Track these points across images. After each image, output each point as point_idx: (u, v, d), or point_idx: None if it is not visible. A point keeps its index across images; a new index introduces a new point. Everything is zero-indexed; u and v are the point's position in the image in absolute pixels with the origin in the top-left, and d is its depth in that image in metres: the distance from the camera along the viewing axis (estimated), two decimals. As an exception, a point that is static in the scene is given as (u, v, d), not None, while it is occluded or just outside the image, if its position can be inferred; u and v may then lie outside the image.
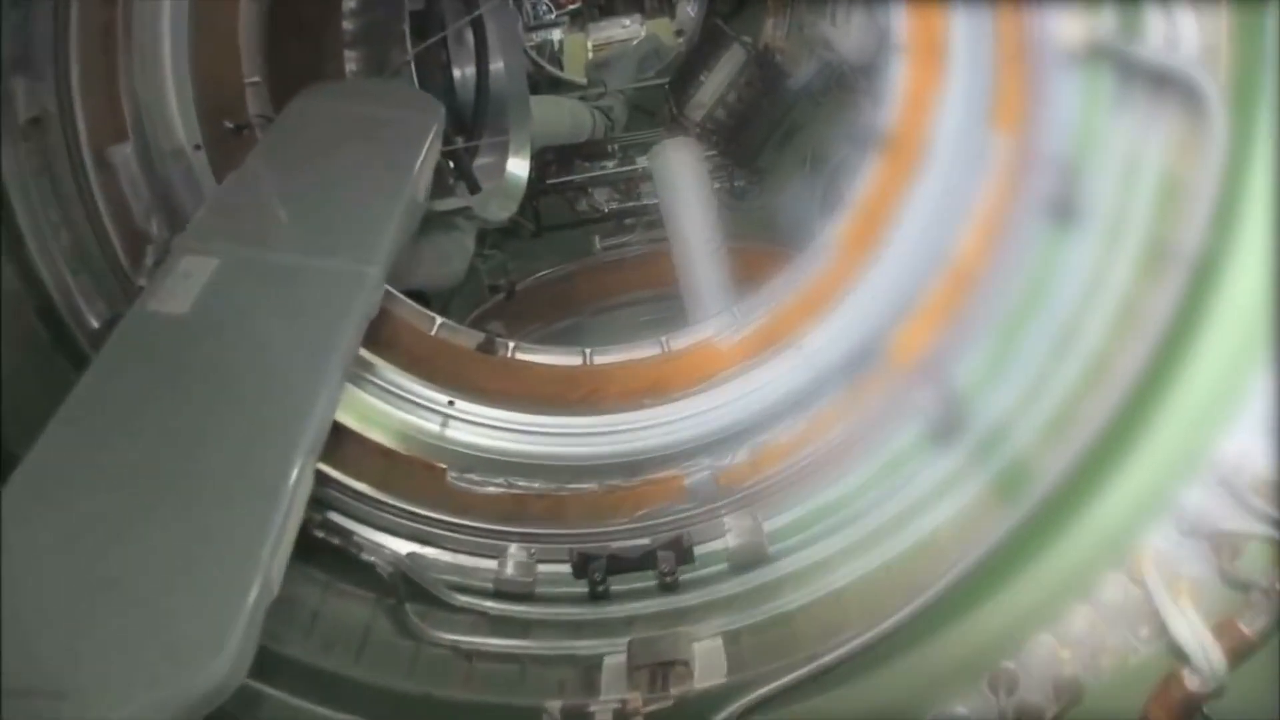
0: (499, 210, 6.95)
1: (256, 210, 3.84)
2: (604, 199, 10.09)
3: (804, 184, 8.78)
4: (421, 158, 4.38)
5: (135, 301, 3.26)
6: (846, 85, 8.26)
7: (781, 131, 9.63)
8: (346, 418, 4.35)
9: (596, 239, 9.92)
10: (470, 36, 7.10)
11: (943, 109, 4.33)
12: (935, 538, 3.71)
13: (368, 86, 5.48)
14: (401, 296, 5.11)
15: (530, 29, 12.56)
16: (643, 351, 5.06)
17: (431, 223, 6.19)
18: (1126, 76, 3.21)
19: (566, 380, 5.00)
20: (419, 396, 4.65)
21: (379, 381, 4.59)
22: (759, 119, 9.66)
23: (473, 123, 6.98)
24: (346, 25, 6.01)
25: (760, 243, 8.40)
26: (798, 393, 4.45)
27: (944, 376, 3.89)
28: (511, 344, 5.17)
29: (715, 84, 9.75)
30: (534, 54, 11.04)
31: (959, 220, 4.11)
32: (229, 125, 4.76)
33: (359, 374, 4.49)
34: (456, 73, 7.09)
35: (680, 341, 5.04)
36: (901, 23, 4.72)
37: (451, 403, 4.66)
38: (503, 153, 7.16)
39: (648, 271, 8.57)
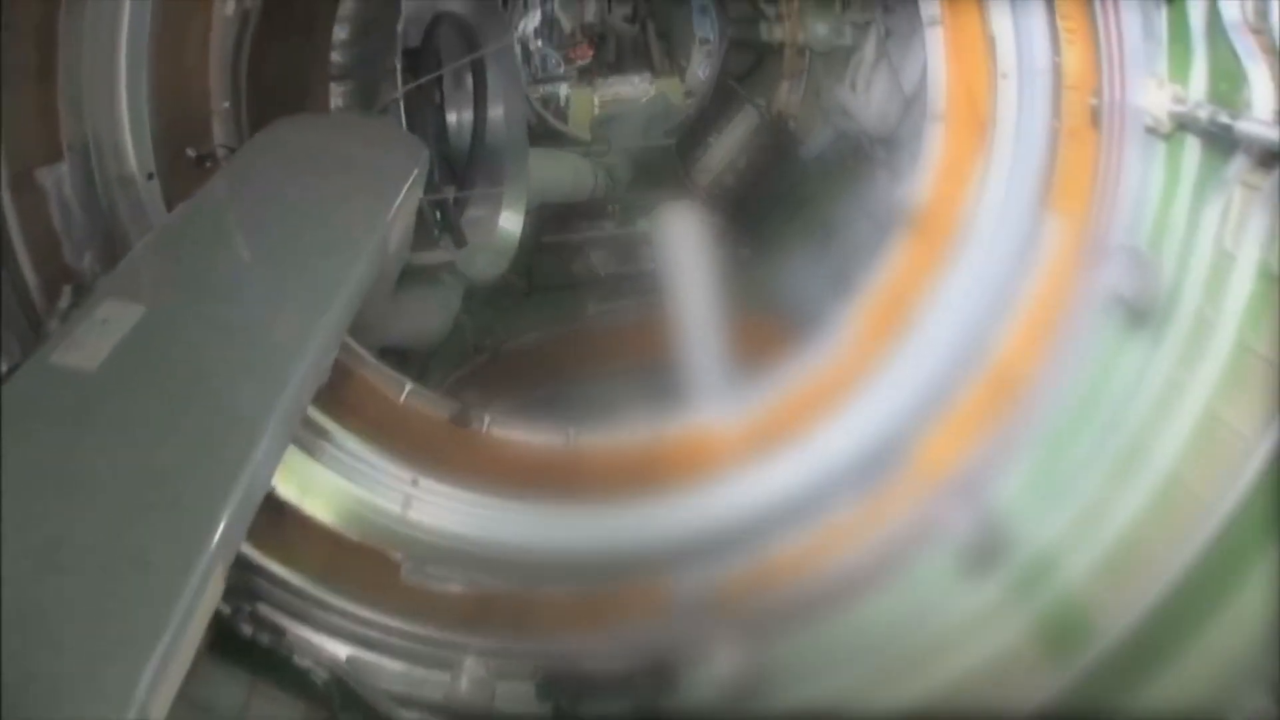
0: (487, 267, 6.48)
1: (200, 252, 3.30)
2: (601, 261, 9.61)
3: (813, 257, 8.29)
4: (397, 204, 3.87)
5: (37, 350, 2.70)
6: (863, 156, 7.81)
7: (791, 201, 9.09)
8: (289, 490, 3.81)
9: (590, 303, 9.39)
10: (469, 80, 6.65)
11: (986, 185, 3.87)
12: (965, 682, 3.15)
13: (346, 122, 5.00)
14: (367, 356, 4.59)
15: (537, 81, 12.28)
16: (633, 433, 4.53)
17: (413, 276, 5.68)
18: (1222, 153, 2.72)
19: (546, 462, 4.49)
20: (380, 471, 4.13)
21: (335, 451, 4.06)
22: (768, 187, 9.22)
23: (465, 172, 6.50)
24: (335, 57, 5.59)
25: (764, 316, 7.87)
26: (807, 495, 3.92)
27: (980, 493, 3.37)
28: (488, 417, 4.64)
29: (725, 148, 9.34)
30: (538, 106, 10.68)
31: (1001, 313, 3.63)
32: (191, 154, 4.27)
33: (312, 440, 3.95)
34: (451, 117, 6.66)
35: (675, 424, 4.52)
36: (939, 88, 4.25)
37: (416, 481, 4.13)
38: (496, 206, 6.71)
39: (643, 341, 8.04)
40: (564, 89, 11.31)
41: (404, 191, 4.03)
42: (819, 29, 8.12)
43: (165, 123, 4.10)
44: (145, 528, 2.30)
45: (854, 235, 7.22)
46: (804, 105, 8.94)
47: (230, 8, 4.51)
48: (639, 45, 13.27)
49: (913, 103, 6.30)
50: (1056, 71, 3.34)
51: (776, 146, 9.08)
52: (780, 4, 8.78)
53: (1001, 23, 3.67)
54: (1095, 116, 3.19)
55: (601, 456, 4.46)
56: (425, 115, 5.87)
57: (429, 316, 6.15)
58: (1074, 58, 3.24)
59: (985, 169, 3.85)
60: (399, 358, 5.20)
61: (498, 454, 4.51)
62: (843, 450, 4.01)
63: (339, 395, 4.16)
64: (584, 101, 11.01)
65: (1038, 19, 3.45)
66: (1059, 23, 3.24)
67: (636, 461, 4.42)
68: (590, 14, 14.75)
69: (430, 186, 5.75)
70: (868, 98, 7.25)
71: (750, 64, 9.74)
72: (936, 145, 4.28)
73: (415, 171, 4.22)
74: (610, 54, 13.50)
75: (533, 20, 14.05)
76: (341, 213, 3.75)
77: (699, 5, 12.07)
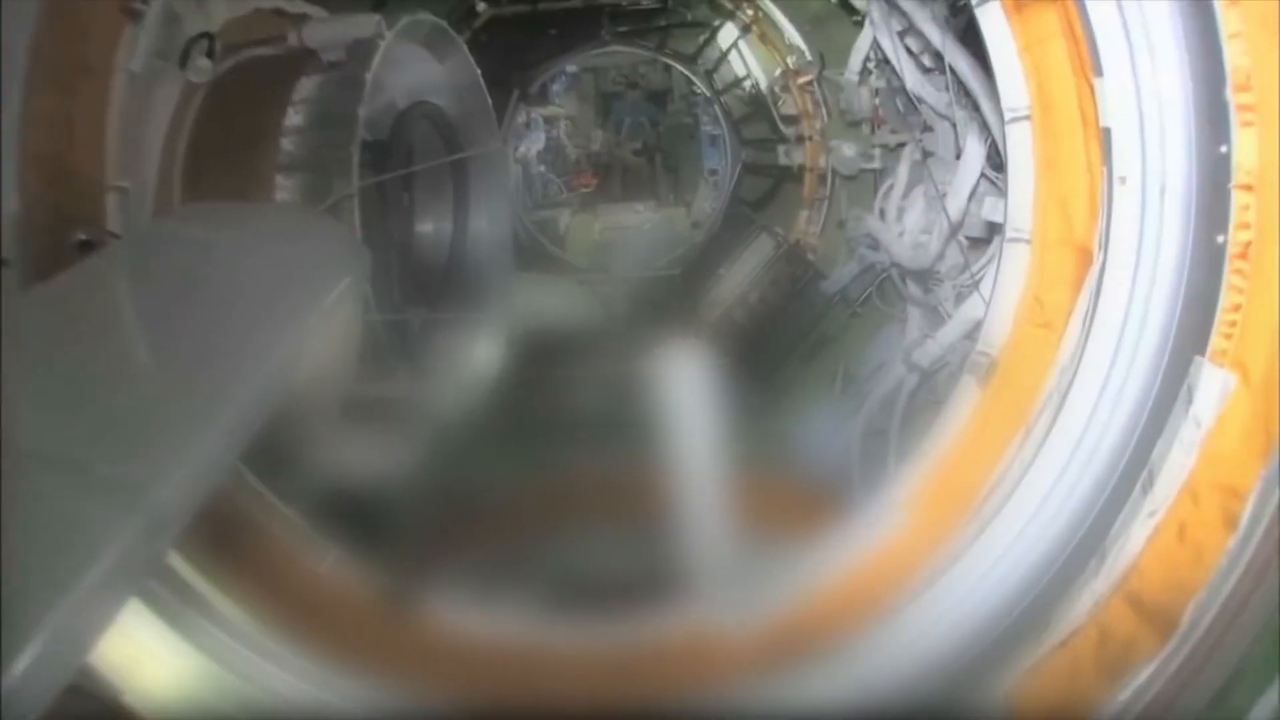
0: (457, 405, 5.48)
1: (20, 376, 2.37)
2: (591, 404, 8.58)
3: (836, 409, 7.33)
4: (311, 321, 2.92)
5: None
6: (895, 293, 6.92)
7: (809, 342, 8.22)
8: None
9: (576, 451, 8.28)
10: (450, 186, 5.80)
11: (1096, 327, 2.89)
12: None
13: (268, 213, 4.08)
14: (280, 507, 3.59)
15: (536, 206, 11.61)
16: (614, 632, 3.51)
17: (365, 412, 4.73)
18: None
19: (505, 663, 3.45)
20: (286, 669, 3.12)
21: (214, 631, 3.05)
22: (784, 325, 8.32)
23: (438, 292, 5.59)
24: (286, 144, 4.72)
25: (779, 479, 6.87)
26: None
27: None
28: (433, 597, 3.62)
29: (736, 280, 8.44)
30: (534, 230, 9.94)
31: (1128, 502, 2.61)
32: (80, 239, 3.39)
33: (181, 612, 2.96)
34: (426, 227, 5.77)
35: (670, 622, 3.50)
36: (1022, 203, 3.33)
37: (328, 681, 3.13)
38: (471, 334, 5.75)
39: (637, 499, 6.99)
40: (564, 214, 10.92)
41: (325, 305, 3.10)
42: (844, 152, 7.35)
43: (40, 193, 3.22)
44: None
45: (885, 384, 6.32)
46: (825, 235, 8.16)
47: (140, 63, 3.68)
48: (646, 177, 12.82)
49: (957, 232, 5.41)
50: (1219, 165, 2.39)
51: (793, 279, 8.21)
52: (801, 125, 8.02)
53: (1122, 116, 2.75)
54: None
55: (576, 660, 3.42)
56: (389, 220, 4.99)
57: (383, 461, 5.13)
58: (1252, 145, 2.31)
59: (1092, 307, 2.89)
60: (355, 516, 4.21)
61: (442, 650, 3.49)
62: (891, 673, 2.98)
63: (235, 557, 3.17)
64: (584, 227, 10.68)
65: (1184, 102, 2.54)
66: (1230, 97, 2.32)
67: (620, 669, 3.39)
68: (598, 144, 14.31)
69: (389, 304, 4.83)
70: (900, 226, 6.38)
71: (766, 190, 9.02)
72: (1015, 275, 3.34)
73: (344, 282, 3.28)
74: (616, 186, 12.97)
75: (535, 143, 13.56)
76: (235, 331, 2.82)
77: (709, 137, 11.54)
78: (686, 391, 6.52)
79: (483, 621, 3.62)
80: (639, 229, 10.01)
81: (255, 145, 4.72)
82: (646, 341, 7.61)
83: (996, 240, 5.14)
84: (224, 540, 3.16)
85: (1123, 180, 2.78)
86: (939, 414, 3.52)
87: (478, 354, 5.83)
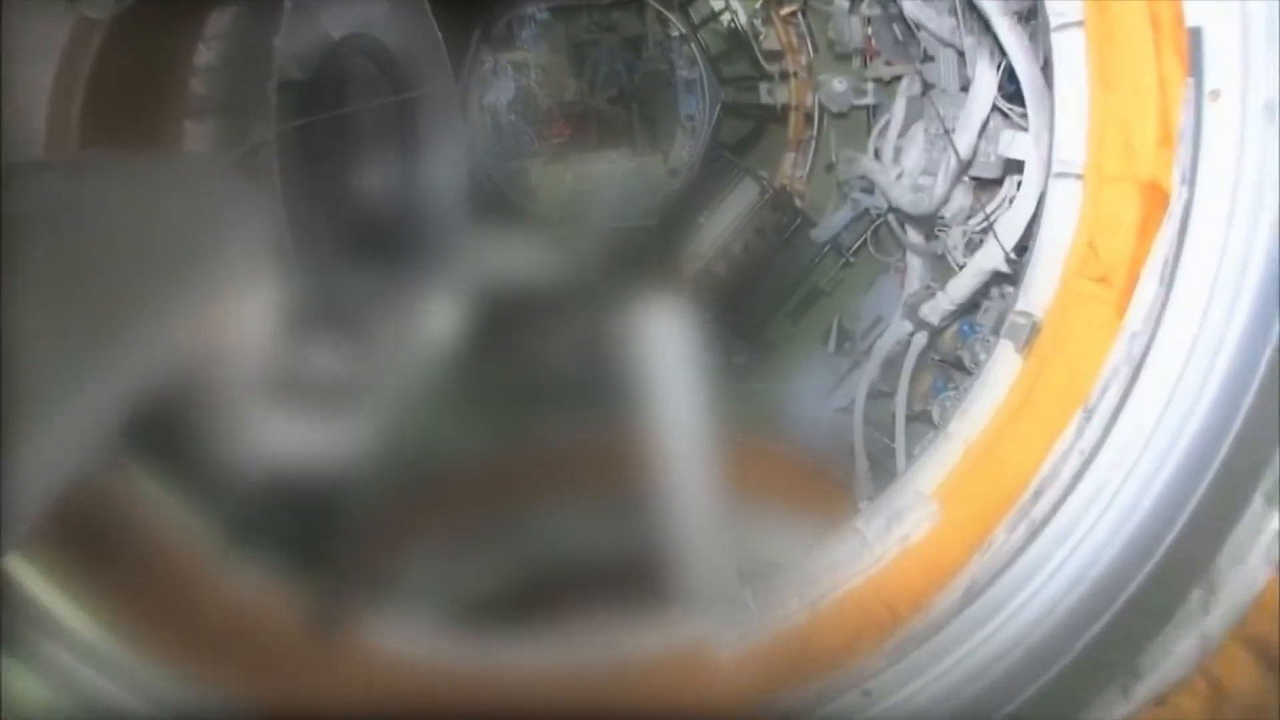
0: (405, 378, 4.91)
1: None
2: (563, 367, 8.04)
3: (827, 366, 6.79)
4: (204, 289, 2.35)
5: None
6: (894, 241, 6.38)
7: (799, 295, 7.65)
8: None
9: (548, 418, 7.72)
10: (397, 133, 5.18)
11: (1176, 286, 2.30)
12: None
13: (166, 169, 3.45)
14: (183, 514, 3.06)
15: (507, 158, 11.11)
16: (585, 651, 2.97)
17: (303, 395, 4.19)
18: None
19: (450, 696, 2.88)
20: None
21: (69, 661, 2.53)
22: (770, 278, 7.75)
23: (384, 250, 4.97)
24: (196, 86, 4.13)
25: (769, 444, 6.34)
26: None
27: None
28: (364, 614, 3.08)
29: (717, 230, 7.87)
30: (502, 181, 9.54)
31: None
32: None
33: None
34: (370, 178, 5.11)
35: (648, 638, 2.95)
36: (1073, 133, 2.73)
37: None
38: (425, 295, 5.17)
39: (611, 475, 6.38)
40: (535, 166, 10.53)
41: (227, 264, 2.52)
42: (834, 87, 6.77)
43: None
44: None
45: (887, 342, 5.78)
46: (813, 179, 7.62)
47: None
48: (621, 126, 12.39)
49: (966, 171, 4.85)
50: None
51: (780, 228, 7.65)
52: (785, 60, 7.44)
53: (1218, 9, 2.15)
54: None
55: (533, 689, 2.86)
56: (320, 171, 4.36)
57: (318, 452, 4.52)
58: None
59: (1173, 258, 2.30)
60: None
61: (376, 679, 2.93)
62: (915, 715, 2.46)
63: (113, 574, 2.61)
64: (555, 178, 10.18)
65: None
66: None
67: (588, 694, 2.84)
68: (571, 93, 13.71)
69: (320, 267, 4.22)
70: (898, 168, 5.81)
71: (748, 132, 8.47)
72: (1062, 218, 2.74)
73: (248, 243, 2.68)
74: (590, 136, 12.57)
75: (505, 92, 12.97)
76: (117, 284, 2.26)
77: (685, 81, 11.09)
78: (666, 352, 6.15)
79: (420, 642, 3.06)
80: (612, 178, 9.59)
81: (160, 88, 4.14)
82: (622, 298, 7.05)
83: (1010, 180, 4.65)
84: (105, 555, 2.60)
85: (1215, 95, 2.19)
86: (971, 385, 2.91)
87: (432, 319, 5.22)
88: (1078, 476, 2.44)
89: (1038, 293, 2.81)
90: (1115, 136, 2.57)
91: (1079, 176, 2.70)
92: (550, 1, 10.86)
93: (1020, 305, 2.84)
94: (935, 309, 4.75)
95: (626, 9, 11.39)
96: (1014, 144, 4.17)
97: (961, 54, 4.94)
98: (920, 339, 5.01)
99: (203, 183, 3.26)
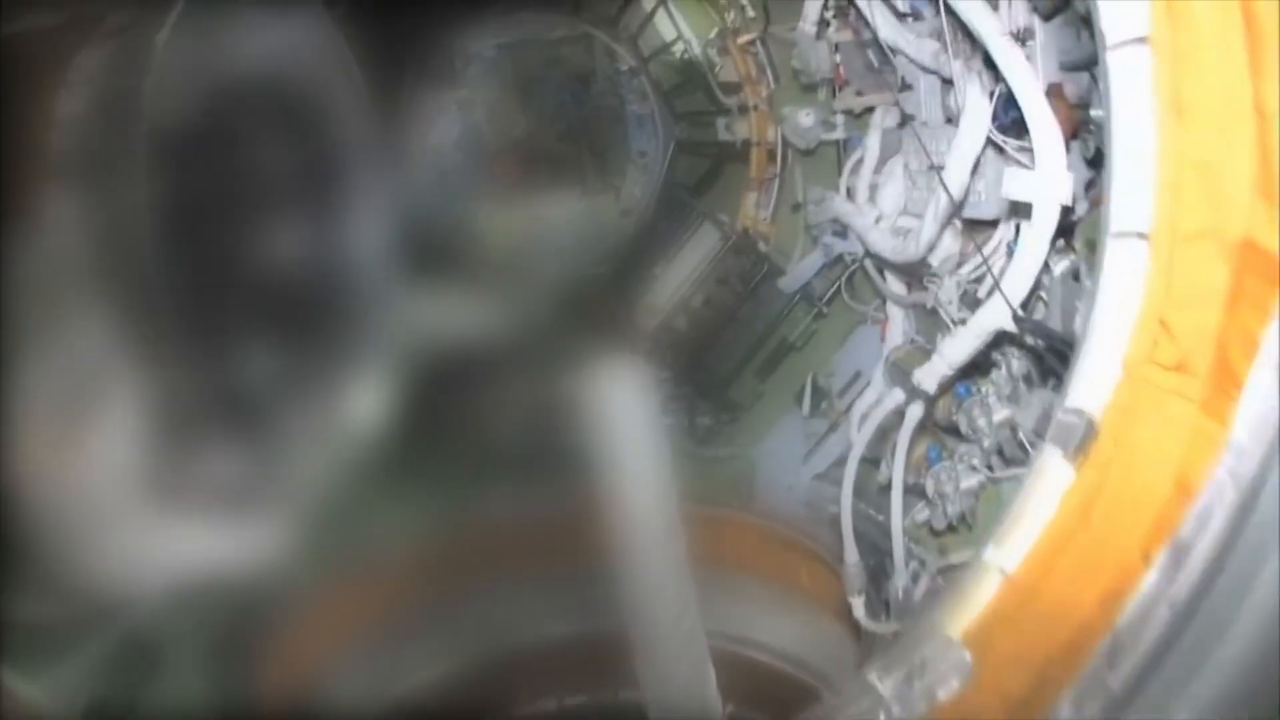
0: (325, 468, 4.33)
1: None
2: (505, 437, 7.58)
3: (800, 429, 6.50)
4: None
5: None
6: (866, 288, 5.94)
7: (768, 351, 7.27)
8: None
9: (490, 494, 7.13)
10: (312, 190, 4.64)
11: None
12: None
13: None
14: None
15: (451, 202, 10.85)
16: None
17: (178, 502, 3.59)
18: None
19: None
20: None
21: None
22: (735, 332, 7.35)
23: (296, 326, 4.42)
24: (57, 139, 3.69)
25: (736, 511, 5.90)
26: None
27: None
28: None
29: (676, 280, 7.50)
30: (445, 226, 9.14)
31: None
32: None
33: None
34: (279, 241, 4.54)
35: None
36: (1136, 180, 2.16)
37: None
38: (342, 377, 4.61)
39: (566, 548, 5.90)
40: (482, 208, 9.96)
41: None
42: (799, 120, 6.33)
43: None
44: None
45: (867, 403, 5.31)
46: (778, 220, 7.27)
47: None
48: (571, 164, 12.19)
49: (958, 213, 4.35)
50: None
51: (744, 276, 7.25)
52: (744, 93, 7.08)
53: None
54: None
55: None
56: (208, 235, 3.78)
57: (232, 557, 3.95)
58: None
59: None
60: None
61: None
62: None
63: None
64: (500, 223, 9.60)
65: None
66: None
67: None
68: (519, 129, 13.40)
69: (211, 350, 3.63)
70: (875, 210, 5.33)
71: (706, 171, 8.10)
72: (1123, 289, 2.15)
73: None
74: (540, 175, 12.40)
75: (451, 131, 12.64)
76: None
77: (636, 117, 10.87)
78: (623, 416, 5.57)
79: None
80: (562, 221, 9.18)
81: (16, 144, 3.56)
82: (573, 358, 6.57)
83: (1006, 224, 4.17)
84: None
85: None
86: (1009, 503, 2.30)
87: (354, 398, 4.61)
88: (1170, 638, 1.84)
89: (1092, 384, 2.21)
90: (1194, 182, 1.99)
91: (1143, 235, 2.12)
92: (494, 37, 10.46)
93: (1070, 401, 2.23)
94: (931, 375, 4.18)
95: (575, 43, 11.31)
96: (1017, 183, 3.62)
97: (945, 81, 4.46)
98: (916, 410, 4.43)
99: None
